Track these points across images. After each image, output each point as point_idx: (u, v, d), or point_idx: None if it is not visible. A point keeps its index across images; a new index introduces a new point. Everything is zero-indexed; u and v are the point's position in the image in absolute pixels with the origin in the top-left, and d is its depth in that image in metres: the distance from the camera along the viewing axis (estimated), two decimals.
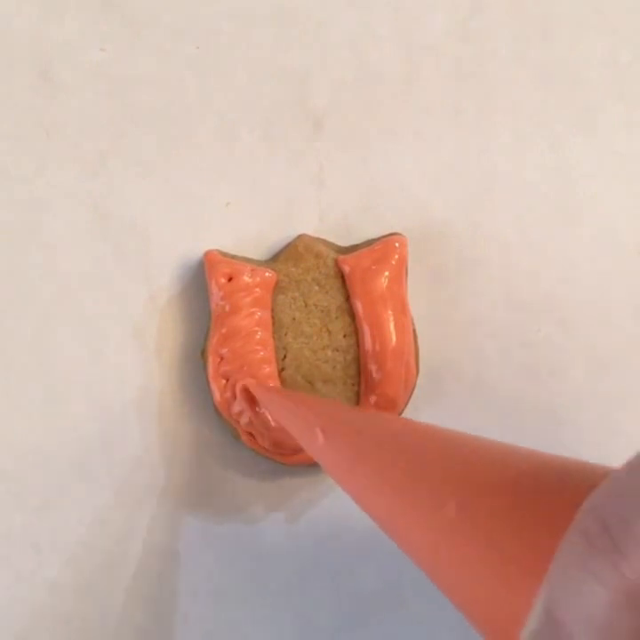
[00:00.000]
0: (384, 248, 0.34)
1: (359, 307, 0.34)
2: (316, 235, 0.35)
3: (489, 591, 0.18)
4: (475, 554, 0.18)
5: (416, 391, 0.34)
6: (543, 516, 0.17)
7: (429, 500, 0.20)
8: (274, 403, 0.31)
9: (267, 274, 0.33)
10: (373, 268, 0.34)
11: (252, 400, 0.32)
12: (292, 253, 0.34)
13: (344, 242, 0.35)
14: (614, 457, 0.36)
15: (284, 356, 0.34)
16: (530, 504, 0.17)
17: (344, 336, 0.34)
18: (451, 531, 0.19)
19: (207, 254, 0.34)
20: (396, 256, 0.34)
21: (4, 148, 0.34)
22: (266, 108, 0.35)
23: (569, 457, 0.19)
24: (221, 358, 0.33)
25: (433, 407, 0.35)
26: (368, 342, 0.33)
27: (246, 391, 0.32)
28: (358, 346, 0.34)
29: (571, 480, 0.17)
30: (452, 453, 0.21)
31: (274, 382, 0.33)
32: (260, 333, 0.33)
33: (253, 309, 0.33)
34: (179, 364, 0.35)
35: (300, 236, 0.34)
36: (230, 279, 0.33)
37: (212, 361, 0.33)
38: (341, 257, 0.34)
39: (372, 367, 0.33)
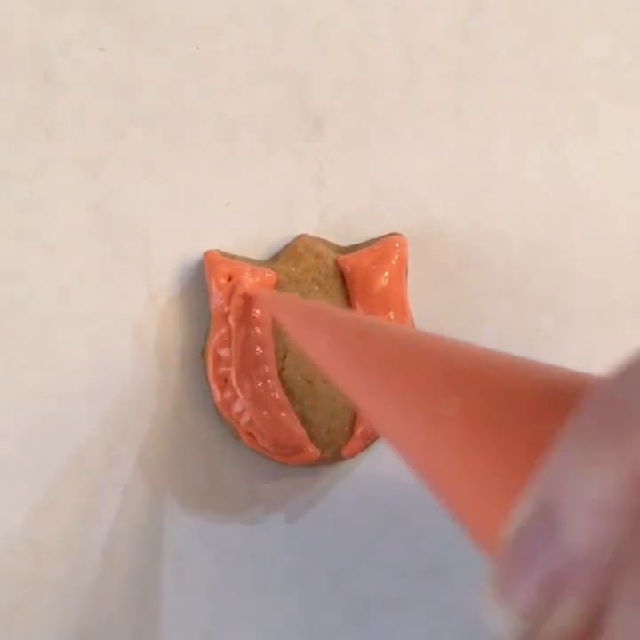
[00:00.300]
0: (384, 248, 0.34)
1: (359, 307, 0.34)
2: (316, 235, 0.35)
3: (486, 489, 0.18)
4: (474, 452, 0.18)
5: None
6: (546, 417, 0.17)
7: (431, 397, 0.20)
8: (278, 303, 0.31)
9: (267, 274, 0.33)
10: (373, 267, 0.34)
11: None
12: (292, 253, 0.34)
13: (344, 242, 0.35)
14: None
15: (284, 356, 0.34)
16: (534, 406, 0.17)
17: None
18: (451, 428, 0.19)
19: (207, 254, 0.34)
20: (396, 256, 0.34)
21: (3, 148, 0.34)
22: (266, 108, 0.35)
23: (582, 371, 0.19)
24: (220, 358, 0.33)
25: None
26: None
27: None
28: None
29: (575, 383, 0.17)
30: (457, 355, 0.21)
31: (273, 382, 0.33)
32: (259, 333, 0.33)
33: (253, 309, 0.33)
34: (179, 364, 0.35)
35: (299, 236, 0.34)
36: (230, 279, 0.33)
37: (211, 361, 0.33)
38: (341, 257, 0.34)
39: None
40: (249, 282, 0.33)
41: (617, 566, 0.14)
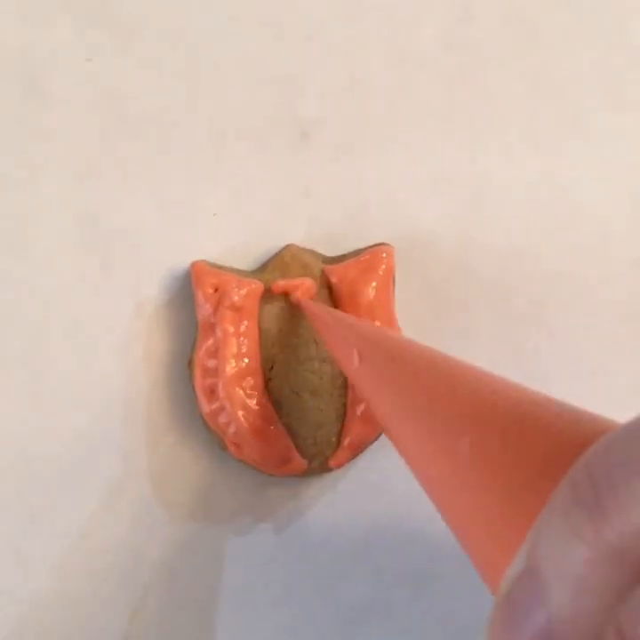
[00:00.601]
0: (371, 258, 0.34)
1: None
2: (304, 245, 0.35)
3: (492, 530, 0.18)
4: (482, 491, 0.18)
5: None
6: (552, 463, 0.17)
7: (445, 434, 0.21)
8: (318, 317, 0.31)
9: (253, 284, 0.33)
10: (360, 278, 0.34)
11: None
12: (279, 264, 0.34)
13: (331, 252, 0.35)
14: None
15: (271, 367, 0.34)
16: (541, 451, 0.18)
17: None
18: (462, 466, 0.19)
19: (194, 265, 0.34)
20: (383, 266, 0.34)
21: None
22: (254, 118, 0.35)
23: (585, 409, 0.19)
24: (208, 369, 0.33)
25: None
26: None
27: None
28: None
29: (581, 431, 0.17)
30: (473, 390, 0.21)
31: (260, 393, 0.33)
32: (246, 344, 0.33)
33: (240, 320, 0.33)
34: (166, 375, 0.35)
35: (287, 247, 0.34)
36: (217, 290, 0.33)
37: (198, 372, 0.33)
38: (328, 267, 0.34)
39: None
40: (236, 293, 0.33)
41: (599, 636, 0.14)
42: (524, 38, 0.36)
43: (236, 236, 0.35)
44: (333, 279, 0.34)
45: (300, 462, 0.33)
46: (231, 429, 0.33)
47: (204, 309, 0.33)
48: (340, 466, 0.34)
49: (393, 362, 0.25)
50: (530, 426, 0.18)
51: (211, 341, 0.33)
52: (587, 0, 0.36)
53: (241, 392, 0.33)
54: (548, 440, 0.18)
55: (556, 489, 0.16)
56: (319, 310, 0.32)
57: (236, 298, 0.33)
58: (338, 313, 0.32)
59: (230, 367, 0.33)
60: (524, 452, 0.18)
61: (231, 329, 0.33)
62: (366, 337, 0.28)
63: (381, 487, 0.35)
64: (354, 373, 0.27)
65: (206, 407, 0.33)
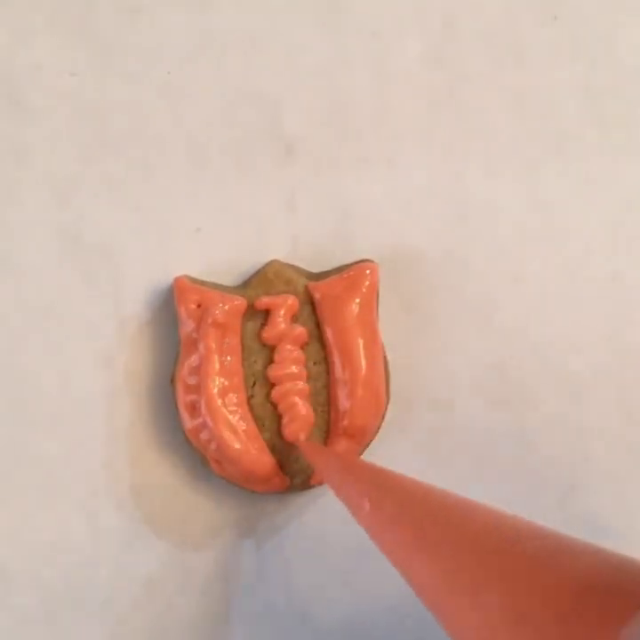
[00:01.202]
0: (355, 275, 0.34)
1: (329, 334, 0.33)
2: (288, 261, 0.35)
3: None
4: None
5: (386, 419, 0.34)
6: (592, 626, 0.17)
7: (472, 589, 0.20)
8: (323, 463, 0.31)
9: (236, 301, 0.33)
10: (344, 295, 0.33)
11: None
12: (263, 280, 0.34)
13: (315, 268, 0.35)
14: (584, 486, 0.35)
15: (253, 384, 0.33)
16: (578, 615, 0.17)
17: (314, 363, 0.34)
18: (493, 620, 0.19)
19: (177, 281, 0.34)
20: (367, 283, 0.34)
21: None
22: (238, 133, 0.35)
23: (626, 556, 0.18)
24: (190, 386, 0.33)
25: (403, 435, 0.35)
26: (338, 370, 0.33)
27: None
28: (328, 373, 0.34)
29: (624, 592, 0.17)
30: (497, 537, 0.21)
31: (243, 410, 0.33)
32: (229, 361, 0.33)
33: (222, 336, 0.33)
34: (149, 392, 0.34)
35: (270, 263, 0.34)
36: (199, 306, 0.33)
37: (181, 388, 0.33)
38: (312, 283, 0.34)
39: (342, 395, 0.33)
40: (219, 309, 0.33)
41: None
42: (508, 55, 0.36)
43: (220, 251, 0.35)
44: (317, 295, 0.34)
45: (282, 479, 0.33)
46: (213, 446, 0.33)
47: (187, 325, 0.33)
48: (322, 483, 0.34)
49: (409, 508, 0.25)
50: (554, 571, 0.18)
51: (193, 358, 0.33)
52: (572, 17, 0.36)
53: (223, 409, 0.33)
54: (573, 585, 0.17)
55: None
56: (323, 454, 0.32)
57: (218, 314, 0.33)
58: (344, 457, 0.32)
59: (213, 384, 0.33)
60: (552, 601, 0.18)
61: (214, 345, 0.33)
62: (376, 482, 0.27)
63: None
64: (363, 519, 0.26)
65: (188, 423, 0.33)
